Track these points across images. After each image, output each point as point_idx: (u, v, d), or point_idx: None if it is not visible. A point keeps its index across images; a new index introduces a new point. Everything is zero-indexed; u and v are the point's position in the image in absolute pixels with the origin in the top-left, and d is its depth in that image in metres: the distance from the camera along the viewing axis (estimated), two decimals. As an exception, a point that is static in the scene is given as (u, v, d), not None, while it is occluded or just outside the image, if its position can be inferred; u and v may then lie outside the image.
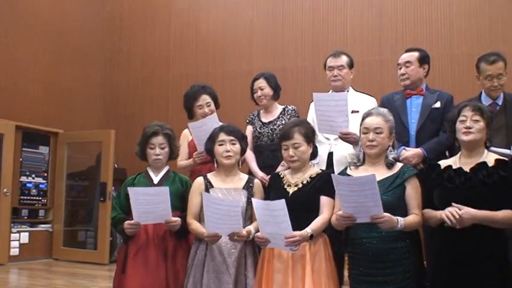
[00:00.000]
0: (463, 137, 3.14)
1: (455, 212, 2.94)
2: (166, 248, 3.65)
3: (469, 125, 3.10)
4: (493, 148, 3.25)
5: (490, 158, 3.12)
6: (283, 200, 3.11)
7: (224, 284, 3.41)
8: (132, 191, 3.50)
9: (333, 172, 3.69)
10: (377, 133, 3.25)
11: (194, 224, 3.52)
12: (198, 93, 4.62)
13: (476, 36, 5.74)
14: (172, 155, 3.88)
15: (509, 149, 3.63)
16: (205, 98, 4.60)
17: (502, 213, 2.97)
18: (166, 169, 3.84)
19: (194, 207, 3.56)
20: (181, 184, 3.77)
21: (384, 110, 3.39)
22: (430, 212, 3.15)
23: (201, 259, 3.51)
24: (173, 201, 3.54)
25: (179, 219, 3.54)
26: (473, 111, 3.12)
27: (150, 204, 3.46)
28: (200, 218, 3.51)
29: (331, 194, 3.32)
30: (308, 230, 3.22)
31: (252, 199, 3.39)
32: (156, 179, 3.79)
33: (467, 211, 2.94)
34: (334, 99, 3.92)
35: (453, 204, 2.98)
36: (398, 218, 3.05)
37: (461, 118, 3.15)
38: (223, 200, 3.42)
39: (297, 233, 3.14)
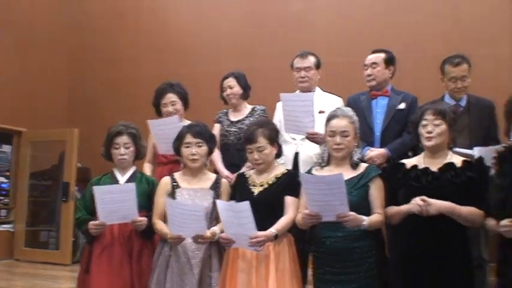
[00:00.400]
0: (425, 143, 3.18)
1: (420, 201, 2.98)
2: (131, 248, 3.62)
3: (430, 130, 3.14)
4: (456, 149, 3.30)
5: (454, 159, 3.17)
6: (248, 202, 3.12)
7: (188, 284, 3.40)
8: (97, 189, 3.46)
9: (298, 172, 3.70)
10: (343, 136, 3.28)
11: (159, 224, 3.50)
12: (164, 91, 4.58)
13: (441, 39, 5.83)
14: (139, 155, 3.84)
15: (472, 149, 3.69)
16: (170, 97, 4.54)
17: (467, 209, 3.02)
18: (133, 169, 3.81)
19: (160, 207, 3.53)
20: (148, 184, 3.75)
21: (349, 111, 3.41)
22: (394, 208, 3.18)
23: (165, 259, 3.49)
24: (140, 201, 3.53)
25: (145, 218, 3.51)
26: (434, 115, 3.16)
27: (115, 203, 3.43)
28: (166, 218, 3.48)
29: (296, 194, 3.35)
30: (273, 230, 3.23)
31: (216, 200, 3.39)
32: (122, 179, 3.75)
33: (433, 201, 2.98)
34: (301, 100, 3.94)
35: (420, 197, 3.01)
36: (363, 217, 3.08)
37: (423, 122, 3.19)
38: (186, 205, 3.41)
39: (262, 233, 3.16)
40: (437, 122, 3.14)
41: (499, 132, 4.11)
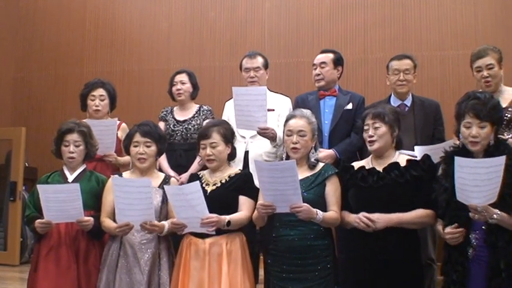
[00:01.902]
0: (368, 147, 3.24)
1: (363, 218, 3.02)
2: (78, 248, 3.54)
3: (371, 134, 3.18)
4: (401, 151, 3.35)
5: (401, 158, 3.21)
6: (197, 182, 3.15)
7: (136, 284, 3.36)
8: (41, 188, 3.40)
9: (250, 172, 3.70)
10: (300, 136, 3.30)
11: (107, 222, 3.45)
12: (96, 85, 4.57)
13: (389, 41, 5.93)
14: (89, 153, 3.76)
15: (413, 150, 3.76)
16: (100, 91, 4.54)
17: (413, 213, 3.07)
18: (82, 168, 3.73)
19: (108, 205, 3.48)
20: (97, 183, 3.67)
21: (308, 112, 3.44)
22: (346, 215, 3.22)
23: (114, 259, 3.44)
24: (88, 200, 3.48)
25: (91, 218, 3.44)
26: (373, 119, 3.20)
27: (60, 202, 3.35)
28: (114, 217, 3.42)
29: (250, 194, 3.35)
30: (227, 217, 3.22)
31: (165, 186, 3.37)
32: (71, 177, 3.67)
33: (378, 216, 3.02)
34: (254, 94, 3.91)
35: (363, 213, 3.05)
36: (318, 210, 3.10)
37: (364, 127, 3.24)
38: (132, 181, 3.36)
39: (214, 215, 3.15)
40: (376, 125, 3.18)
41: (445, 132, 4.20)
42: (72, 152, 3.65)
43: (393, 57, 4.34)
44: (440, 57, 5.80)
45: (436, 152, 3.58)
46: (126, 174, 3.64)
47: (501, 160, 2.72)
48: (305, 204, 3.04)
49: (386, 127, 3.17)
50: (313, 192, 3.22)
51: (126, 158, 4.39)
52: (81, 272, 3.51)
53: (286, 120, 3.40)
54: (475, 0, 5.78)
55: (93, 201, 3.57)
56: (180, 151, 4.45)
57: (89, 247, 3.57)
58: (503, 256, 2.86)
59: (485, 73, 3.84)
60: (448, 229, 2.92)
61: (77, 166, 3.70)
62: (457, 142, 3.21)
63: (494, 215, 2.77)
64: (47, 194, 3.37)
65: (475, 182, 2.73)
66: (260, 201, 3.18)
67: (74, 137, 3.66)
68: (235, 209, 3.33)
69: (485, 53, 3.89)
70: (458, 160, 2.80)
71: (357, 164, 3.31)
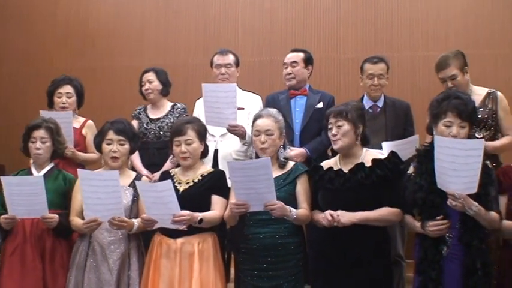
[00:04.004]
0: (333, 146, 3.24)
1: (328, 216, 3.02)
2: (43, 247, 3.49)
3: (334, 132, 3.18)
4: (370, 150, 3.36)
5: (367, 157, 3.20)
6: (169, 181, 3.13)
7: (105, 284, 3.32)
8: (4, 180, 3.36)
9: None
10: (268, 135, 3.30)
11: (75, 220, 3.40)
12: (62, 82, 4.51)
13: (361, 42, 5.97)
14: (57, 151, 3.70)
15: (381, 148, 3.80)
16: (67, 88, 4.48)
17: (379, 211, 3.08)
18: (50, 166, 3.67)
19: (77, 203, 3.43)
20: (64, 182, 3.62)
21: (274, 111, 3.44)
22: (316, 214, 3.22)
23: (82, 259, 3.41)
24: (54, 199, 3.44)
25: (56, 215, 3.39)
26: (335, 117, 3.20)
27: (24, 196, 3.30)
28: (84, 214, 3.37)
29: (222, 193, 3.34)
30: (200, 214, 3.20)
31: (136, 182, 3.35)
32: (38, 175, 3.60)
33: (343, 213, 3.03)
34: (224, 90, 3.89)
35: (328, 211, 3.05)
36: (291, 208, 3.11)
37: (328, 126, 3.24)
38: (99, 174, 3.33)
39: (186, 212, 3.12)
40: (339, 123, 3.17)
41: (414, 132, 4.25)
42: (39, 149, 3.59)
43: (367, 60, 4.37)
44: (410, 58, 5.86)
45: (402, 147, 3.65)
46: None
47: (479, 144, 2.76)
48: (279, 202, 3.05)
49: (349, 125, 3.16)
50: (285, 191, 3.22)
51: (87, 155, 4.37)
52: (47, 271, 3.47)
53: (254, 120, 3.40)
54: (446, 2, 5.84)
55: (59, 199, 3.52)
56: (154, 149, 4.41)
57: (54, 246, 3.52)
58: (479, 255, 2.91)
59: (449, 84, 3.86)
60: (432, 222, 2.94)
61: (44, 164, 3.65)
62: (429, 139, 3.24)
63: (473, 207, 2.81)
64: (10, 187, 3.33)
65: (453, 165, 2.76)
66: (232, 200, 3.17)
67: (40, 133, 3.61)
68: (207, 208, 3.31)
69: (446, 64, 3.88)
70: (438, 139, 2.83)
71: (326, 164, 3.32)
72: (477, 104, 3.75)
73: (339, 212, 3.02)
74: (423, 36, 5.88)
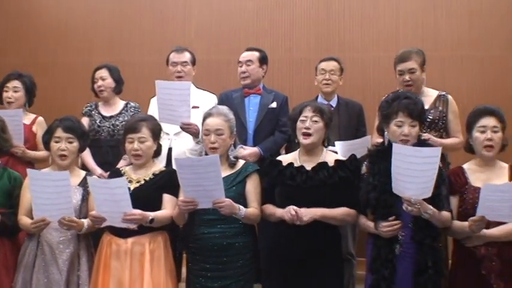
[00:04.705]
0: (302, 140, 3.23)
1: (292, 211, 3.04)
2: None
3: (308, 126, 3.19)
4: (328, 151, 3.40)
5: (328, 157, 3.25)
6: (124, 178, 3.11)
7: (55, 284, 3.27)
8: None
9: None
10: (218, 135, 3.28)
11: (23, 219, 3.32)
12: (11, 76, 4.47)
13: (314, 42, 6.01)
14: (2, 148, 3.60)
15: (334, 145, 3.85)
16: (15, 83, 4.44)
17: (339, 210, 3.12)
18: (-5, 164, 3.57)
19: (26, 202, 3.33)
20: (9, 180, 3.50)
21: (224, 109, 3.42)
22: (270, 208, 3.24)
23: (30, 259, 3.33)
24: (-1, 197, 3.35)
25: None
26: (313, 112, 3.21)
27: None
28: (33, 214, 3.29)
29: (174, 192, 3.29)
30: (151, 214, 3.16)
31: (88, 177, 3.30)
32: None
33: (304, 210, 3.05)
34: (178, 88, 3.86)
35: (292, 207, 3.07)
36: (240, 206, 3.11)
37: (301, 118, 3.23)
38: (49, 174, 3.26)
39: (138, 211, 3.09)
40: (315, 118, 3.20)
41: (366, 133, 4.32)
42: None
43: (322, 60, 4.53)
44: (361, 58, 5.93)
45: (354, 147, 3.73)
46: (45, 171, 3.50)
47: (436, 151, 2.83)
48: (228, 199, 3.05)
49: (323, 123, 3.20)
50: (235, 191, 3.21)
51: (37, 153, 4.29)
52: None
53: (204, 119, 3.37)
54: (397, 4, 5.94)
55: (4, 198, 3.42)
56: (107, 148, 4.35)
57: None
58: (430, 253, 2.97)
59: (406, 77, 3.94)
60: (384, 223, 2.99)
61: None
62: (380, 140, 3.30)
63: (428, 210, 2.88)
64: None
65: (409, 171, 2.81)
66: (181, 197, 3.16)
67: None
68: (158, 208, 3.28)
69: (408, 57, 3.97)
70: (396, 147, 2.88)
71: (284, 159, 3.33)
72: (428, 105, 3.85)
73: (303, 210, 3.04)
74: (374, 37, 5.97)
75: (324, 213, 3.09)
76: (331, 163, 3.19)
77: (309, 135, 3.20)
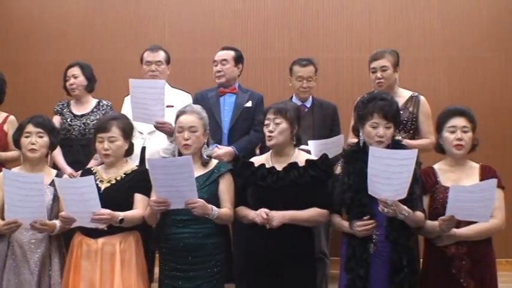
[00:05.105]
0: (267, 142, 3.26)
1: (264, 214, 3.05)
2: None
3: (271, 129, 3.20)
4: (301, 147, 3.42)
5: (300, 157, 3.25)
6: (92, 177, 3.08)
7: (26, 285, 3.24)
8: None
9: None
10: (192, 132, 3.26)
11: None
12: None
13: (288, 42, 6.03)
14: None
15: (307, 145, 3.87)
16: None
17: (308, 212, 3.14)
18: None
19: None
20: None
21: (197, 107, 3.42)
22: (243, 210, 3.24)
23: (1, 259, 3.30)
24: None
25: None
26: (274, 114, 3.22)
27: None
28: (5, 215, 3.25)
29: (145, 192, 3.28)
30: (121, 214, 3.14)
31: (55, 178, 3.26)
32: None
33: (275, 214, 3.06)
34: (152, 87, 3.82)
35: (264, 210, 3.08)
36: (213, 206, 3.10)
37: (265, 121, 3.26)
38: (24, 176, 3.21)
39: (107, 211, 3.06)
40: (277, 120, 3.20)
41: (340, 133, 4.34)
42: None
43: (297, 62, 4.49)
44: (335, 59, 5.97)
45: (328, 146, 3.77)
46: (15, 169, 3.47)
47: (413, 154, 2.86)
48: (200, 200, 3.04)
49: (286, 123, 3.20)
50: (207, 191, 3.21)
51: (8, 153, 4.20)
52: None
53: (177, 117, 3.36)
54: (370, 5, 5.99)
55: None
56: (78, 147, 4.31)
57: None
58: (405, 253, 3.01)
59: (378, 74, 4.03)
60: (359, 222, 3.01)
61: None
62: (355, 140, 3.32)
63: (404, 211, 2.91)
64: None
65: (386, 173, 2.84)
66: (153, 197, 3.14)
67: None
68: (130, 207, 3.25)
69: (381, 55, 4.08)
70: (372, 150, 2.91)
71: (256, 161, 3.34)
72: (400, 106, 3.89)
73: (272, 213, 3.05)
74: (347, 38, 6.02)
75: (292, 216, 3.10)
76: (302, 163, 3.21)
77: (271, 137, 3.21)
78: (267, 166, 3.25)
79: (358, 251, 3.05)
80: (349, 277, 3.07)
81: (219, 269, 3.22)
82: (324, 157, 3.24)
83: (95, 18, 6.26)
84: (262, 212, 3.06)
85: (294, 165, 3.19)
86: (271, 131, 3.21)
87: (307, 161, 3.21)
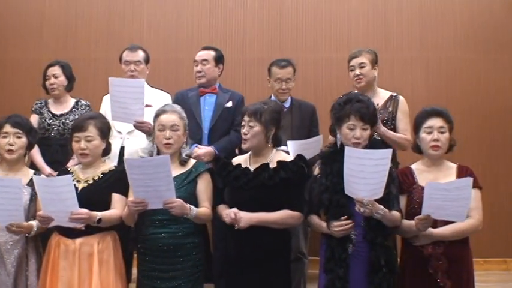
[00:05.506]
0: (242, 145, 3.27)
1: (232, 214, 3.05)
2: None
3: (245, 132, 3.20)
4: (278, 148, 3.41)
5: (276, 157, 3.23)
6: (70, 176, 3.06)
7: (2, 285, 3.21)
8: None
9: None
10: (173, 130, 3.26)
11: None
12: None
13: (267, 42, 6.04)
14: None
15: (286, 145, 3.88)
16: None
17: (277, 214, 3.12)
18: None
19: None
20: None
21: (177, 107, 3.41)
22: (221, 209, 3.24)
23: (-22, 259, 3.26)
24: None
25: None
26: (249, 117, 3.21)
27: None
28: None
29: (123, 191, 3.26)
30: (98, 214, 3.12)
31: (33, 176, 3.25)
32: None
33: (243, 215, 3.05)
34: (131, 86, 3.81)
35: (234, 210, 3.08)
36: (191, 206, 3.09)
37: (242, 123, 3.26)
38: (2, 180, 3.18)
39: (84, 210, 3.04)
40: (251, 124, 3.19)
41: (318, 134, 4.36)
42: None
43: (275, 63, 4.48)
44: (314, 59, 5.99)
45: (306, 147, 3.79)
46: (-9, 170, 3.43)
47: (388, 153, 2.88)
48: (178, 199, 3.03)
49: (260, 127, 3.18)
50: (185, 191, 3.20)
51: None
52: None
53: (157, 116, 3.35)
54: (349, 6, 6.02)
55: None
56: (57, 146, 4.28)
57: None
58: (383, 252, 3.03)
59: (357, 71, 4.09)
60: (336, 222, 3.02)
61: None
62: (332, 141, 3.33)
63: (380, 211, 2.93)
64: None
65: (362, 173, 2.86)
66: (131, 198, 3.13)
67: None
68: (107, 207, 3.24)
69: (359, 53, 4.15)
70: (348, 150, 2.92)
71: (236, 160, 3.34)
72: (379, 106, 3.93)
73: (240, 214, 3.05)
74: (326, 38, 6.04)
75: (260, 218, 3.08)
76: (273, 165, 3.18)
77: (245, 140, 3.22)
78: (243, 166, 3.25)
79: (337, 252, 3.06)
80: (328, 278, 3.08)
81: (198, 269, 3.22)
82: (296, 159, 3.22)
83: (72, 16, 6.20)
84: (231, 212, 3.06)
85: (264, 166, 3.18)
86: (245, 134, 3.21)
87: (279, 162, 3.18)
